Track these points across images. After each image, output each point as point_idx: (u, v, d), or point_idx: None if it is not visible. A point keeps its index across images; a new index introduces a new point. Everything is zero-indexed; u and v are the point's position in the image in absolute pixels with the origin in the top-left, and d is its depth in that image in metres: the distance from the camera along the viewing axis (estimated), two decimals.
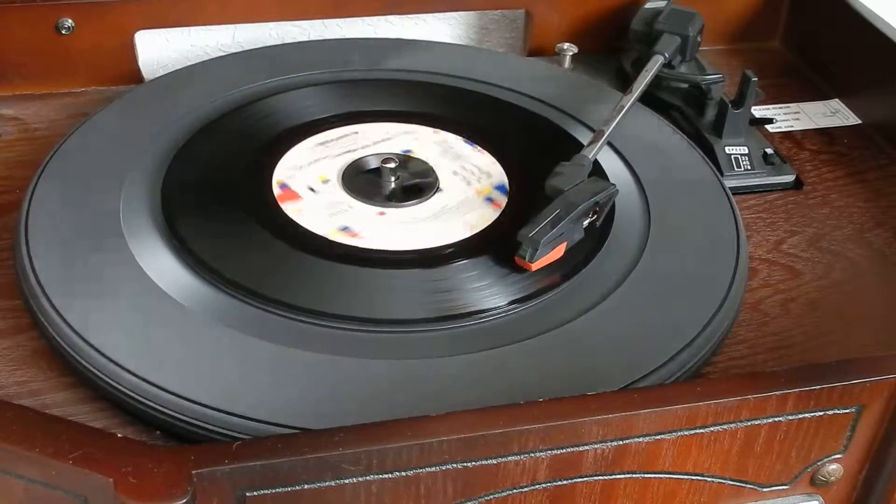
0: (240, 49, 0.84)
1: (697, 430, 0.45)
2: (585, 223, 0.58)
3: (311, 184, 0.62)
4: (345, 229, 0.59)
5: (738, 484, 0.48)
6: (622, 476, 0.45)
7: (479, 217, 0.60)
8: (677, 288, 0.57)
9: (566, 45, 0.80)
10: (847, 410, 0.47)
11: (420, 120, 0.69)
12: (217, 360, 0.50)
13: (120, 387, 0.49)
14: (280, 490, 0.41)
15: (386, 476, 0.42)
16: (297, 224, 0.59)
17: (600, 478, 0.45)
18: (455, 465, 0.42)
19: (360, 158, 0.64)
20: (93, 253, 0.56)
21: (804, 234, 0.65)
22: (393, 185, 0.63)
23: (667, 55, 0.73)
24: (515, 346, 0.52)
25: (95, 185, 0.61)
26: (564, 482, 0.45)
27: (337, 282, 0.55)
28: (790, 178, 0.70)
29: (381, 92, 0.71)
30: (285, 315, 0.53)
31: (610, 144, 0.66)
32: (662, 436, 0.44)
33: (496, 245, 0.58)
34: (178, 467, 0.39)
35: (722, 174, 0.68)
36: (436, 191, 0.62)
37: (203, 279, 0.55)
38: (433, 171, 0.64)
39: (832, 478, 0.49)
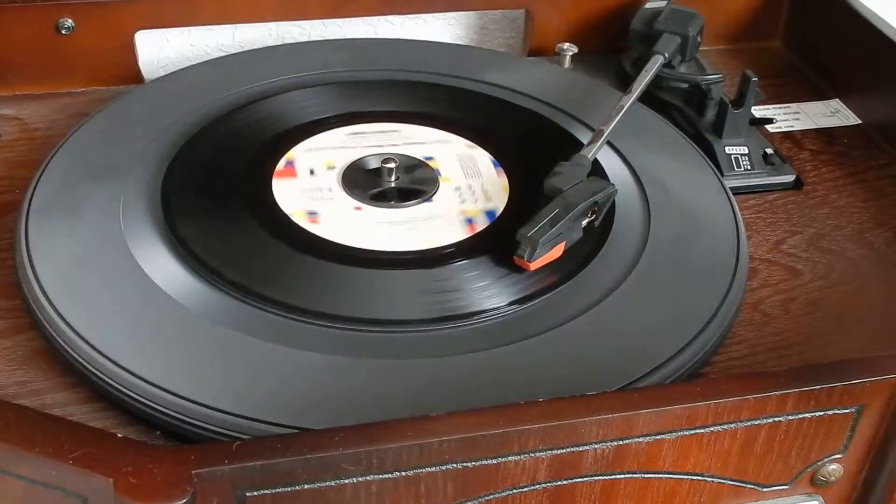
0: (240, 49, 0.84)
1: (697, 430, 0.45)
2: (584, 223, 0.58)
3: (311, 184, 0.62)
4: (343, 228, 0.59)
5: (738, 484, 0.48)
6: (622, 476, 0.45)
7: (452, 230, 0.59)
8: (676, 288, 0.57)
9: (566, 45, 0.80)
10: (847, 410, 0.47)
11: (421, 120, 0.69)
12: (217, 360, 0.50)
13: (120, 387, 0.49)
14: (280, 490, 0.41)
15: (386, 476, 0.42)
16: (298, 225, 0.59)
17: (600, 478, 0.45)
18: (455, 465, 0.42)
19: (360, 158, 0.64)
20: (93, 253, 0.56)
21: (804, 234, 0.65)
22: (393, 186, 0.63)
23: (667, 55, 0.73)
24: (514, 346, 0.52)
25: (95, 185, 0.61)
26: (564, 482, 0.45)
27: (337, 282, 0.55)
28: (790, 178, 0.69)
29: (381, 92, 0.71)
30: (285, 315, 0.53)
31: (610, 144, 0.66)
32: (662, 436, 0.44)
33: (495, 245, 0.58)
34: (178, 467, 0.39)
35: (722, 174, 0.68)
36: (436, 192, 0.62)
37: (203, 279, 0.55)
38: (432, 171, 0.64)
39: (832, 478, 0.49)
